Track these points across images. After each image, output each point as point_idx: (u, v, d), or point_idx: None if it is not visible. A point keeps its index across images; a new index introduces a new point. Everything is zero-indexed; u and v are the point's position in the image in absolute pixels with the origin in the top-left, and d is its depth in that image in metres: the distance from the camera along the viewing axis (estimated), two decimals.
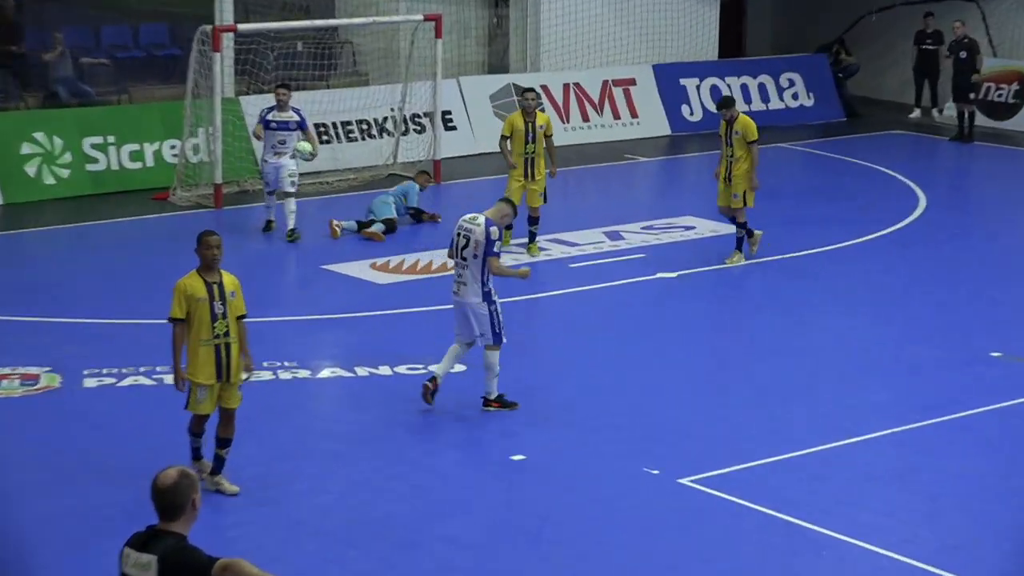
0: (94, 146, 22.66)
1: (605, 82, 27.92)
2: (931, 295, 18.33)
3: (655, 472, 12.50)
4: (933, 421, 13.87)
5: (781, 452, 13.01)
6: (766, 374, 15.24)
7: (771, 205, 21.78)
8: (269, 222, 20.48)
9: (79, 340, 15.92)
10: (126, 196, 22.33)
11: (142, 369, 14.81)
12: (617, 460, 12.83)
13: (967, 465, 12.92)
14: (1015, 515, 11.94)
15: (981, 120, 28.32)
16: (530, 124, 19.25)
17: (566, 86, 27.45)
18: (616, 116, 27.83)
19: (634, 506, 11.95)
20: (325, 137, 24.10)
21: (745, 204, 18.93)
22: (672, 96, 28.46)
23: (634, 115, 28.01)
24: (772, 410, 14.13)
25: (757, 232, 19.36)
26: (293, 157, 20.13)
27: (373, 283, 18.35)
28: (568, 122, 27.04)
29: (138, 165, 22.91)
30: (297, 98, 20.85)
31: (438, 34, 23.86)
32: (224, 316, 11.75)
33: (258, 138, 20.71)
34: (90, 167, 22.57)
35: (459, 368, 14.88)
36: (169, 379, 14.21)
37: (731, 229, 19.43)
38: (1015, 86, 28.90)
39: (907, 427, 13.71)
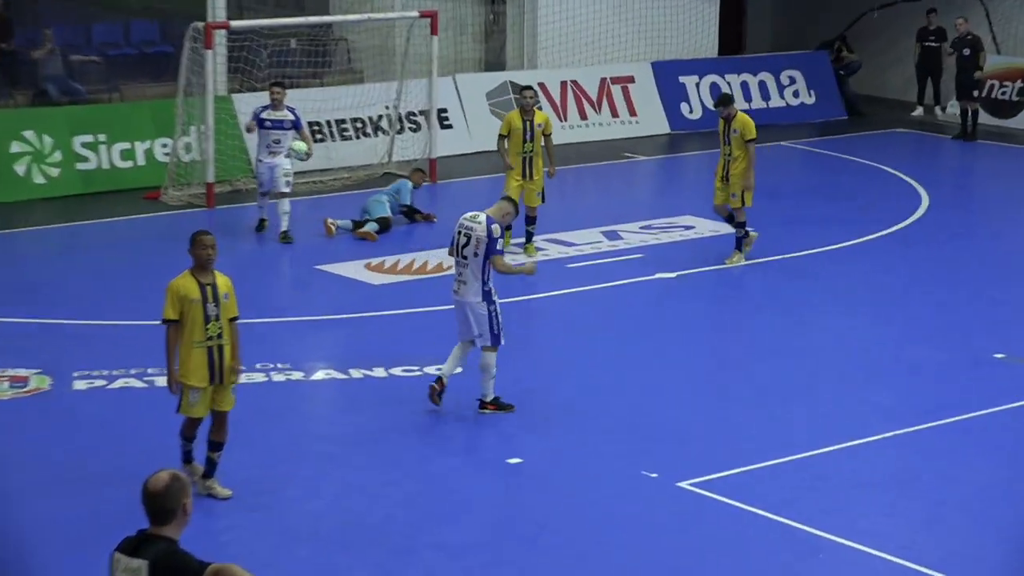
0: (84, 145, 22.66)
1: (603, 80, 27.92)
2: (933, 295, 18.36)
3: (653, 475, 12.52)
4: (934, 424, 13.88)
5: (781, 455, 13.02)
6: (766, 375, 15.27)
7: (771, 204, 21.79)
8: (262, 221, 20.48)
9: (69, 341, 15.93)
10: (117, 195, 22.33)
11: (133, 371, 14.82)
12: (616, 463, 12.85)
13: (968, 469, 12.94)
14: (1017, 520, 11.96)
15: (984, 118, 28.33)
16: (528, 123, 19.26)
17: (564, 84, 27.47)
18: (614, 114, 27.83)
19: (633, 510, 11.96)
20: (319, 135, 24.11)
21: (744, 204, 18.94)
22: (671, 94, 28.48)
23: (633, 113, 28.02)
24: (772, 412, 14.15)
25: (752, 233, 19.36)
26: (288, 156, 20.13)
27: (368, 284, 18.36)
28: (566, 120, 27.05)
29: (129, 164, 22.91)
30: (291, 96, 20.85)
31: (434, 31, 23.86)
32: (217, 318, 11.75)
33: (249, 131, 20.73)
34: (80, 166, 22.56)
35: (457, 369, 14.91)
36: (160, 381, 14.23)
37: (731, 229, 19.43)
38: (1019, 83, 28.92)
39: (907, 430, 13.72)
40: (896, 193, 23.53)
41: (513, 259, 18.03)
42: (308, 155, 20.31)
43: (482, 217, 13.76)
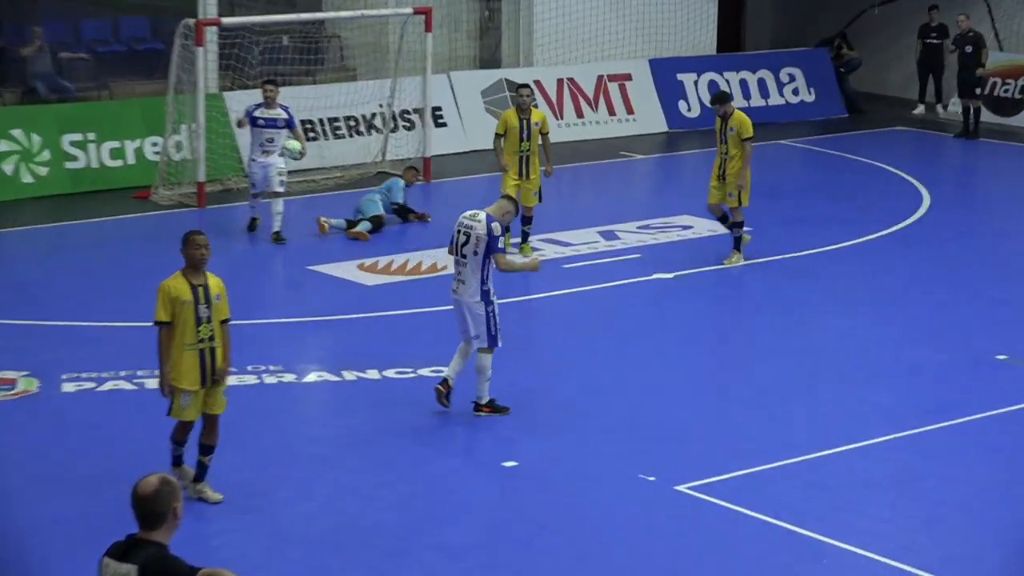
0: (73, 143, 22.66)
1: (600, 77, 27.94)
2: (934, 295, 18.38)
3: (651, 479, 12.53)
4: (935, 427, 13.89)
5: (780, 458, 13.04)
6: (765, 375, 15.29)
7: (771, 204, 21.81)
8: (254, 220, 20.46)
9: (58, 343, 15.93)
10: (106, 195, 22.33)
11: (122, 373, 14.82)
12: (614, 465, 12.85)
13: (969, 471, 12.96)
14: (1015, 522, 11.98)
15: (987, 116, 28.36)
16: (525, 121, 19.27)
17: (560, 81, 27.48)
18: (611, 112, 27.85)
19: (631, 512, 11.97)
20: (312, 134, 24.10)
21: (741, 204, 18.95)
22: (669, 91, 28.49)
23: (630, 111, 28.03)
24: (771, 413, 14.17)
25: (746, 236, 19.33)
26: (282, 155, 20.11)
27: (361, 284, 18.36)
28: (562, 118, 27.06)
29: (119, 163, 22.91)
30: (283, 94, 20.85)
31: (428, 28, 23.88)
32: (209, 320, 11.73)
33: (240, 126, 20.72)
34: (69, 165, 22.56)
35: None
36: (150, 383, 14.26)
37: (725, 229, 19.43)
38: (1022, 81, 28.95)
39: (908, 432, 13.74)
40: (897, 192, 23.55)
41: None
42: (302, 154, 20.31)
43: (482, 215, 13.77)
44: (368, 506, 12.10)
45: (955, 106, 28.92)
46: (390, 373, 15.07)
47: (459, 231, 13.80)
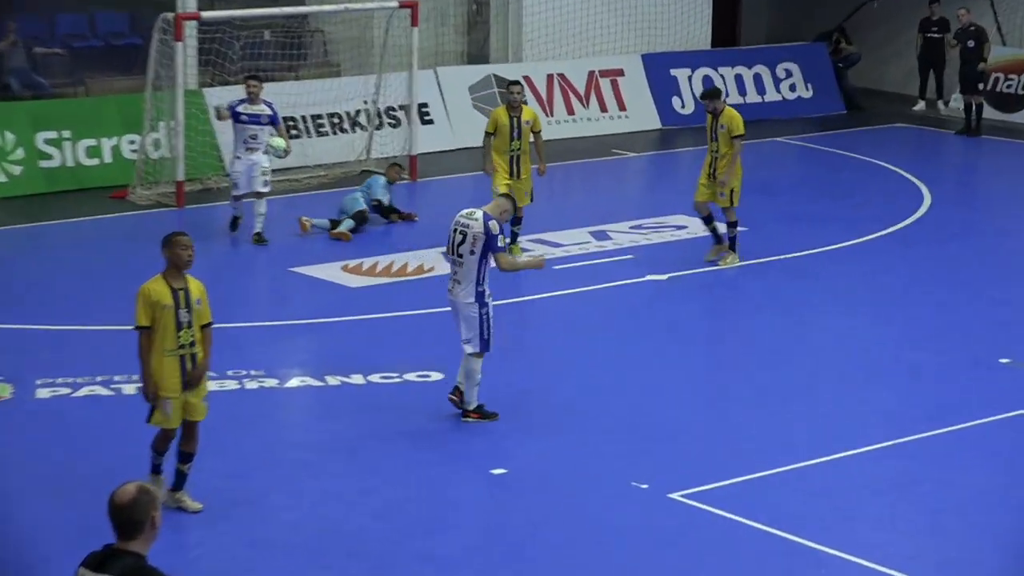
0: (48, 141, 22.64)
1: (591, 73, 27.96)
2: (935, 296, 18.43)
3: (644, 486, 12.53)
4: (937, 432, 13.91)
5: (779, 462, 13.06)
6: (764, 378, 15.33)
7: (768, 202, 21.86)
8: (236, 219, 20.38)
9: (32, 347, 15.91)
10: (82, 195, 22.31)
11: (99, 378, 14.80)
12: (606, 473, 12.85)
13: (967, 476, 12.98)
14: (1014, 526, 12.02)
15: (989, 113, 28.42)
16: (515, 120, 19.28)
17: (550, 77, 27.49)
18: (603, 109, 27.87)
19: (625, 520, 11.97)
20: (294, 131, 24.11)
21: (732, 203, 18.96)
22: (662, 87, 28.52)
23: (622, 108, 28.06)
24: (769, 419, 14.19)
25: (725, 242, 19.29)
26: (266, 153, 20.09)
27: (345, 286, 18.36)
28: (552, 115, 27.07)
29: (95, 161, 22.89)
30: (264, 90, 20.83)
31: (414, 22, 23.88)
32: (190, 325, 11.68)
33: (220, 119, 20.65)
34: (44, 164, 22.53)
35: (436, 376, 14.93)
36: (127, 389, 14.25)
37: (724, 228, 19.45)
38: None
39: (909, 437, 13.77)
40: (897, 191, 23.60)
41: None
42: (287, 152, 20.27)
43: (478, 214, 13.77)
44: (353, 514, 12.08)
45: (956, 102, 28.97)
46: (375, 378, 15.07)
47: (455, 230, 13.80)
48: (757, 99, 29.12)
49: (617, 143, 26.96)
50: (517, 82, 20.28)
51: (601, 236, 20.67)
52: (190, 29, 23.14)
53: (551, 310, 17.81)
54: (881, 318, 17.59)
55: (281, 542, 11.58)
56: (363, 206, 20.69)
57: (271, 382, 14.98)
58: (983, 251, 20.46)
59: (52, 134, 22.66)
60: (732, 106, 19.74)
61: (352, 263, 19.18)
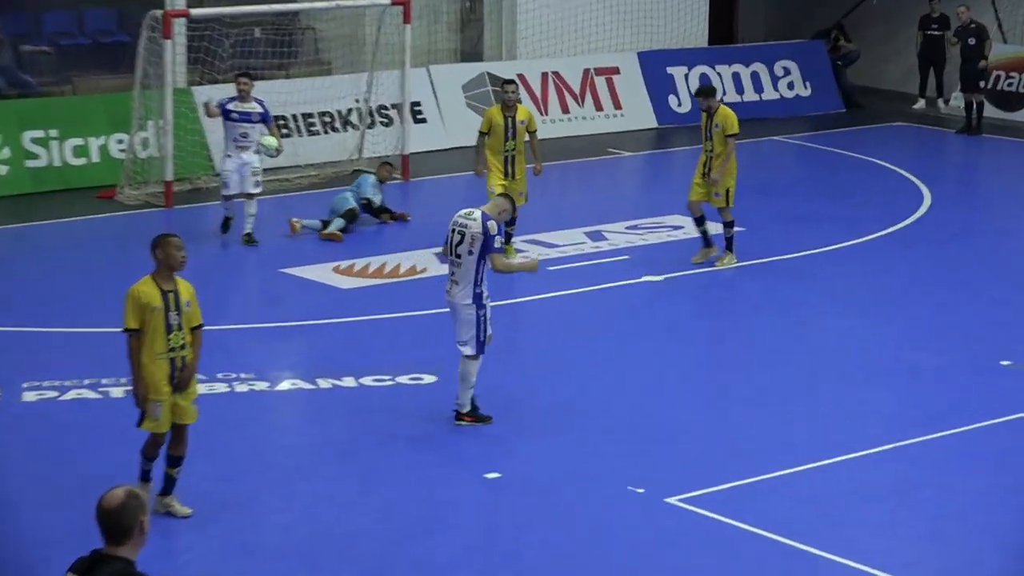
0: (35, 140, 22.62)
1: (587, 71, 27.97)
2: (935, 296, 18.45)
3: (640, 491, 12.53)
4: (936, 435, 13.93)
5: (777, 466, 13.07)
6: (763, 378, 15.36)
7: (766, 202, 21.87)
8: (227, 220, 20.30)
9: (19, 349, 15.90)
10: (69, 195, 22.29)
11: (86, 382, 14.78)
12: (604, 474, 12.86)
13: (967, 481, 12.99)
14: (1013, 528, 12.05)
15: (990, 111, 28.44)
16: (510, 119, 19.28)
17: (544, 75, 27.50)
18: (598, 107, 27.89)
19: (623, 524, 11.97)
20: (285, 130, 24.09)
21: (728, 203, 18.97)
22: (658, 86, 28.53)
23: (618, 106, 28.07)
24: (769, 420, 14.21)
25: (715, 245, 19.28)
26: (258, 152, 20.04)
27: (336, 288, 18.35)
28: (547, 114, 27.08)
29: (82, 161, 22.88)
30: (255, 88, 20.81)
31: (407, 19, 23.88)
32: (180, 327, 11.65)
33: (210, 115, 20.56)
34: (30, 163, 22.52)
35: (429, 379, 14.93)
36: (115, 392, 14.24)
37: (721, 228, 19.47)
38: None
39: (909, 441, 13.78)
40: (897, 190, 23.62)
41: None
42: (278, 151, 20.21)
43: (477, 214, 13.77)
44: (345, 518, 12.08)
45: (957, 100, 29.00)
46: (367, 380, 15.06)
47: (453, 230, 13.80)
48: (755, 97, 29.14)
49: (613, 142, 26.97)
50: (512, 81, 20.29)
51: (597, 236, 20.67)
52: (179, 27, 23.13)
53: (547, 311, 17.81)
54: (881, 318, 17.62)
55: (272, 546, 11.58)
56: (353, 205, 20.68)
57: (261, 385, 14.97)
58: (983, 251, 20.50)
59: (39, 133, 22.64)
60: (729, 105, 19.74)
61: (343, 264, 19.18)
